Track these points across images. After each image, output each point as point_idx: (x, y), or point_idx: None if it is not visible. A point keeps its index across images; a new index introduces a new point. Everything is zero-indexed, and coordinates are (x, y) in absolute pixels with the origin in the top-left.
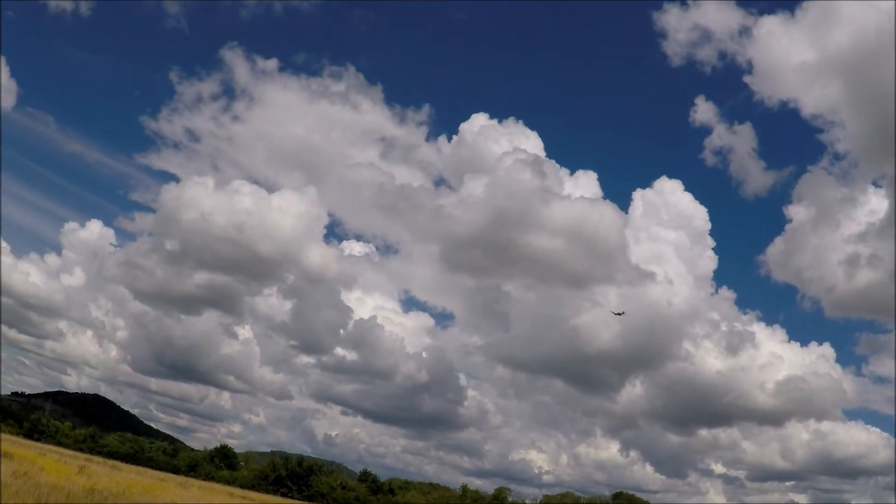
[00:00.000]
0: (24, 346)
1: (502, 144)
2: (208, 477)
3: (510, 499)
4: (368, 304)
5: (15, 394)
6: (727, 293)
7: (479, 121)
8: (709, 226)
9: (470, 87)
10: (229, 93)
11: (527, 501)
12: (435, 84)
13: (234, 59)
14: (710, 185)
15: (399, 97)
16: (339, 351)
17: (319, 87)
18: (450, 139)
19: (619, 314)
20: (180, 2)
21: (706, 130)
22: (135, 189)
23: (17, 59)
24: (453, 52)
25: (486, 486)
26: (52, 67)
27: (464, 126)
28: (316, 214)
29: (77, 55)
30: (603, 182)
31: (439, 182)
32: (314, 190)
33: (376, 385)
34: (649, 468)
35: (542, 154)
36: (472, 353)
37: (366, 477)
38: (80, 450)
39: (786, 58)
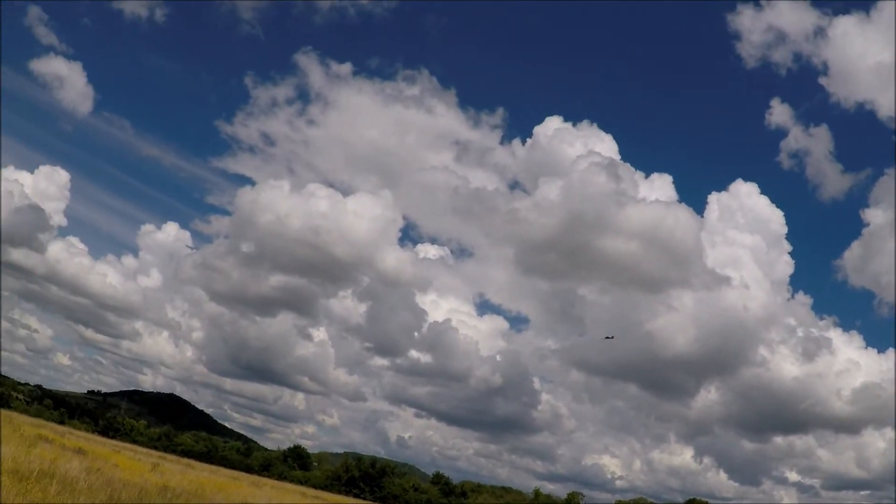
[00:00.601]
0: (101, 346)
1: (577, 147)
2: (281, 477)
3: (582, 503)
4: (443, 307)
5: (91, 392)
6: (804, 298)
7: (553, 124)
8: (785, 229)
9: (543, 90)
10: (304, 97)
11: None
12: (508, 87)
13: (309, 63)
14: (786, 188)
15: (473, 101)
16: (414, 353)
17: (393, 91)
18: (524, 142)
19: (609, 338)
20: (254, 8)
21: (782, 133)
22: (211, 192)
23: (94, 65)
24: (526, 54)
25: (559, 491)
26: (128, 73)
27: (538, 129)
28: (391, 217)
29: (153, 60)
30: (678, 185)
31: (514, 185)
32: (389, 193)
33: (450, 388)
34: (723, 475)
35: (617, 157)
36: (546, 356)
37: (438, 479)
38: (155, 448)
39: (861, 58)
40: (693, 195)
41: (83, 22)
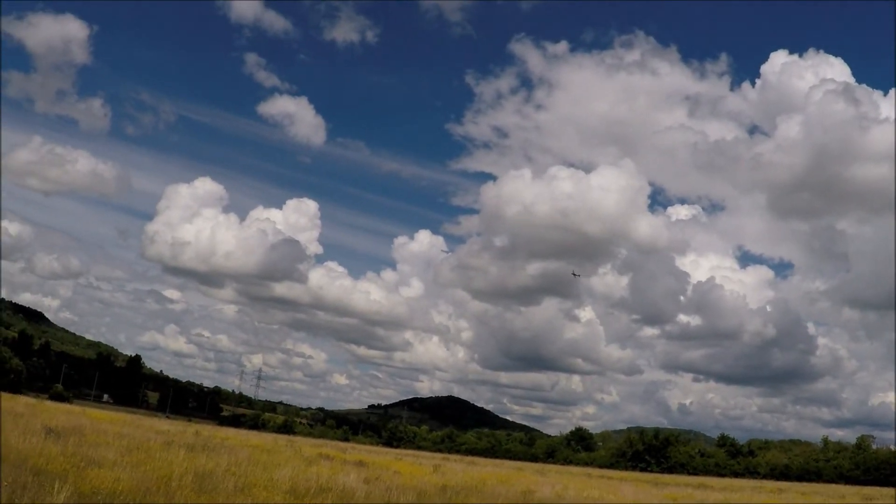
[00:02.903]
0: (376, 361)
1: (807, 78)
2: (566, 461)
3: (874, 446)
4: (704, 266)
5: (372, 406)
6: None
7: (778, 59)
8: None
9: (763, 26)
10: (527, 84)
11: (892, 447)
12: (727, 30)
13: (524, 50)
14: None
15: (694, 52)
16: (682, 318)
17: (614, 60)
18: (753, 84)
19: (576, 275)
20: (461, 8)
21: None
22: (454, 194)
23: (319, 97)
24: None
25: (849, 437)
26: (352, 96)
27: (764, 67)
28: (637, 186)
29: (373, 79)
30: None
31: (752, 130)
32: (630, 162)
33: (724, 346)
34: None
35: (851, 80)
36: (816, 299)
37: (724, 441)
38: (439, 450)
39: None
40: None
41: (299, 58)
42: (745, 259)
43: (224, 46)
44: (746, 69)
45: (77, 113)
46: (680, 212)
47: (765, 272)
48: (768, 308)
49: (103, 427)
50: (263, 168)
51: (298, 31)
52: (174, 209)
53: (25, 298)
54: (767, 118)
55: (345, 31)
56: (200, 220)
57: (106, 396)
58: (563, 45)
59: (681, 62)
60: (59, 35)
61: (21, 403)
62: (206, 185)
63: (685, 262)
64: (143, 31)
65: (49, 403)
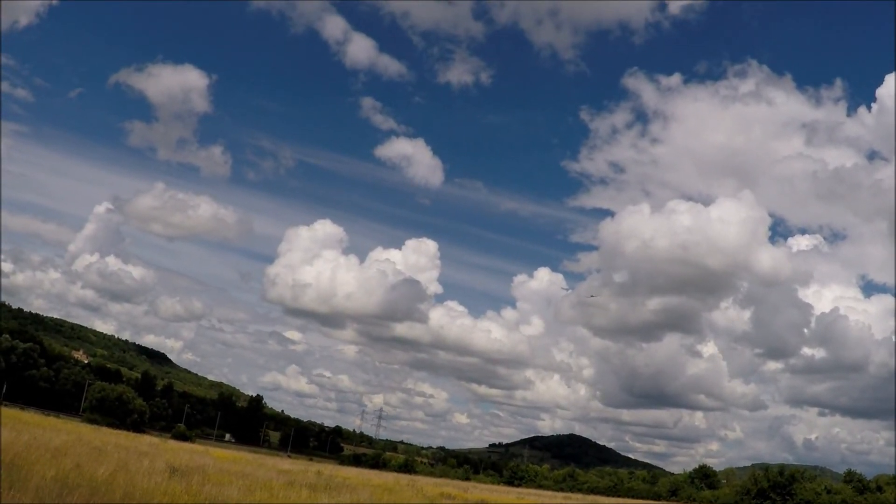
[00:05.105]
0: (496, 400)
1: None
2: (690, 499)
3: None
4: (827, 297)
5: (493, 445)
6: None
7: (893, 82)
8: None
9: (876, 49)
10: (641, 117)
11: None
12: (840, 55)
13: (638, 84)
14: None
15: (809, 78)
16: (806, 350)
17: (728, 91)
18: (869, 108)
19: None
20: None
21: None
22: (573, 231)
23: (435, 138)
24: (849, 16)
25: None
26: (468, 137)
27: (880, 91)
28: (757, 217)
29: (488, 119)
30: None
31: (871, 155)
32: (749, 193)
33: (850, 379)
34: None
35: None
36: None
37: (850, 477)
38: (560, 489)
39: None
40: None
41: (415, 101)
42: (869, 288)
43: (340, 91)
44: (862, 93)
45: (198, 160)
46: (801, 242)
47: (890, 301)
48: (894, 338)
49: (226, 466)
50: (382, 209)
51: (413, 74)
52: (295, 251)
53: (149, 340)
54: (886, 142)
55: (459, 72)
56: (321, 261)
57: (228, 436)
58: (676, 78)
59: (796, 90)
60: (179, 85)
61: (145, 443)
62: (325, 228)
63: (808, 294)
64: (261, 78)
65: (172, 443)
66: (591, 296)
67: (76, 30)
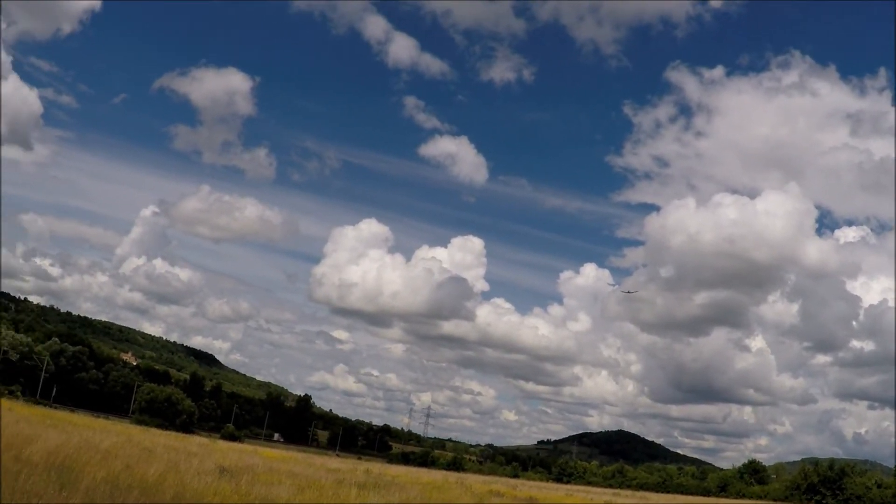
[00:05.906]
0: (544, 396)
1: None
2: (739, 495)
3: None
4: (875, 289)
5: (541, 442)
6: None
7: None
8: None
9: None
10: (685, 111)
11: None
12: (883, 43)
13: (681, 77)
14: None
15: (853, 68)
16: (855, 343)
17: (772, 83)
18: None
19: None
20: (615, 41)
21: None
22: (619, 226)
23: (479, 136)
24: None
25: None
26: (511, 134)
27: None
28: (804, 209)
29: (531, 116)
30: None
31: None
32: (795, 185)
33: None
34: None
35: None
36: None
37: None
38: (609, 486)
39: None
40: None
41: (458, 99)
42: None
43: (383, 91)
44: None
45: (243, 162)
46: (848, 234)
47: None
48: None
49: (275, 465)
50: (427, 208)
51: (455, 73)
52: (341, 251)
53: (197, 341)
54: None
55: (501, 70)
56: (367, 261)
57: (276, 435)
58: (719, 70)
59: (840, 80)
60: (222, 89)
61: (194, 443)
62: (371, 227)
63: (856, 286)
64: (304, 80)
65: (221, 443)
66: (629, 291)
67: (119, 36)
